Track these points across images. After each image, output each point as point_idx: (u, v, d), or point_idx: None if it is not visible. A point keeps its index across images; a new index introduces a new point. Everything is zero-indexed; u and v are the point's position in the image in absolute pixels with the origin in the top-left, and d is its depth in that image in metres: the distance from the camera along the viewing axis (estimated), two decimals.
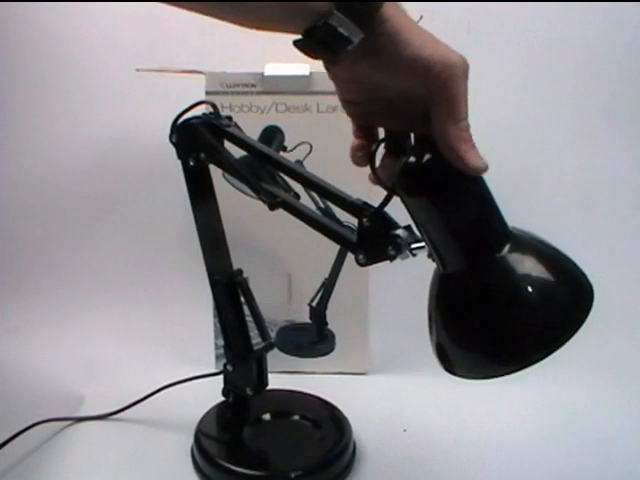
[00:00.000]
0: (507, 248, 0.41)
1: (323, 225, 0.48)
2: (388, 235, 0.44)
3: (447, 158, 0.41)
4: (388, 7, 0.40)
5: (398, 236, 0.44)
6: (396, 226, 0.45)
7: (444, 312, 0.43)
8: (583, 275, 0.43)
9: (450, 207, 0.42)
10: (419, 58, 0.40)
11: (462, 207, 0.42)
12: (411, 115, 0.44)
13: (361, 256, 0.46)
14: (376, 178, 0.46)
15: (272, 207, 0.49)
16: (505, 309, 0.40)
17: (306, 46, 0.42)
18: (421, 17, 0.66)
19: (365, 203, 0.47)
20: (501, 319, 0.40)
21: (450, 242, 0.42)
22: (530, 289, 0.40)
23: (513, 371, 0.40)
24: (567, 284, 0.42)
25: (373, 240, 0.45)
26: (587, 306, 0.42)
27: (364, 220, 0.45)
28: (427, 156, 0.42)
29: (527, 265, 0.41)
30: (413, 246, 0.44)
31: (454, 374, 0.42)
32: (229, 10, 0.41)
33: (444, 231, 0.42)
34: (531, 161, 0.87)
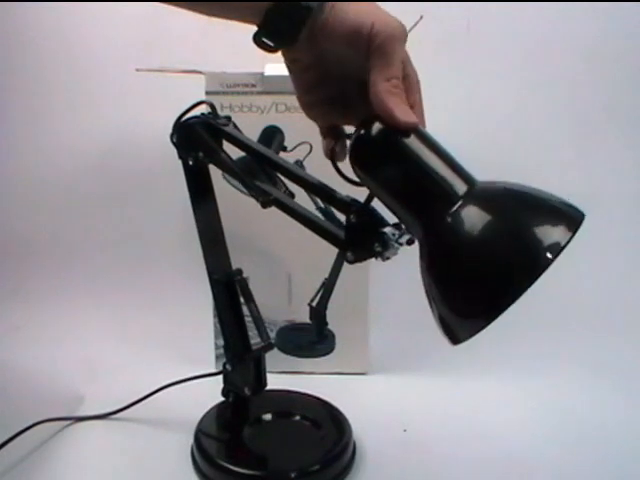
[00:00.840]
0: (458, 205, 0.40)
1: (313, 222, 0.48)
2: (375, 232, 0.44)
3: (380, 114, 0.42)
4: None
5: (384, 233, 0.44)
6: (384, 223, 0.45)
7: (427, 282, 0.42)
8: (563, 204, 0.43)
9: (392, 173, 0.42)
10: (358, 23, 0.42)
11: (402, 172, 0.42)
12: (366, 107, 0.44)
13: (349, 253, 0.46)
14: (341, 175, 0.46)
15: (264, 205, 0.49)
16: (466, 261, 0.40)
17: (269, 29, 0.43)
18: (421, 17, 0.66)
19: (353, 200, 0.47)
20: (467, 272, 0.40)
21: (402, 210, 0.42)
22: (483, 236, 0.39)
23: (503, 308, 0.38)
24: (535, 219, 0.41)
25: (360, 237, 0.45)
26: (571, 226, 0.42)
27: (351, 217, 0.45)
28: (366, 129, 0.43)
29: (479, 215, 0.40)
30: (401, 240, 0.44)
31: (460, 341, 0.41)
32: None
33: (394, 199, 0.42)
34: (531, 160, 0.87)
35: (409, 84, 0.45)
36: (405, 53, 0.45)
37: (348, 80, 0.46)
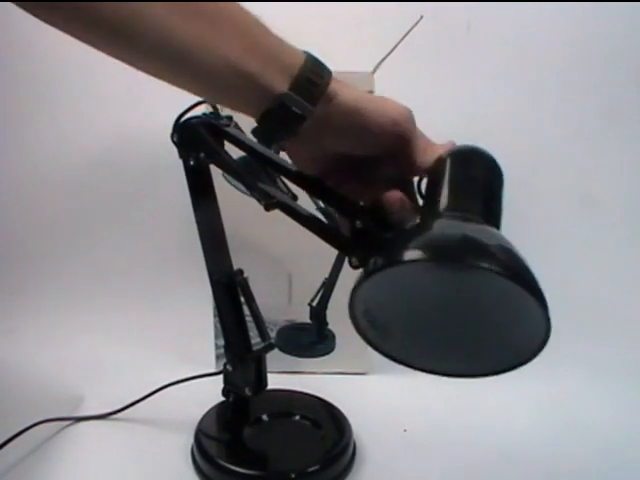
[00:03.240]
0: None
1: (318, 226, 0.48)
2: (380, 238, 0.44)
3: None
4: (335, 84, 0.44)
5: (390, 239, 0.44)
6: (389, 228, 0.45)
7: None
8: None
9: None
10: (381, 124, 0.44)
11: None
12: (371, 177, 0.48)
13: (354, 258, 0.46)
14: None
15: (268, 208, 0.49)
16: None
17: (264, 129, 0.45)
18: (421, 17, 0.66)
19: (359, 205, 0.47)
20: None
21: None
22: None
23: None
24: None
25: (365, 242, 0.45)
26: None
27: (357, 222, 0.45)
28: None
29: None
30: None
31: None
32: (194, 89, 0.45)
33: None
34: (531, 161, 0.87)
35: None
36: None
37: (345, 161, 0.47)
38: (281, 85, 0.43)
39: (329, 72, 0.44)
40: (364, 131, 0.44)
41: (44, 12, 0.42)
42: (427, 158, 0.46)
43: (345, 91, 0.44)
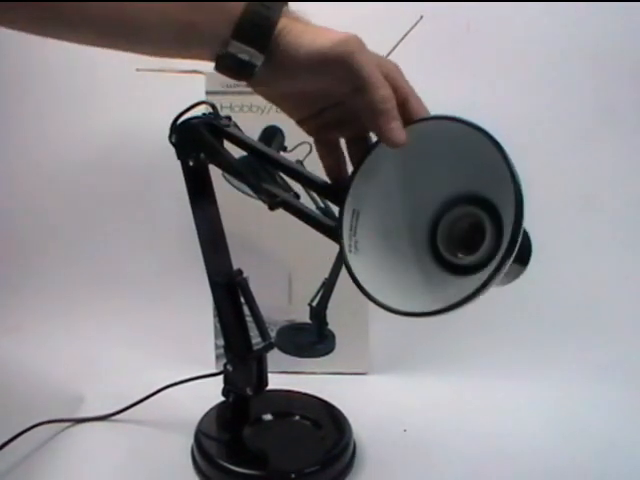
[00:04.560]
0: None
1: (324, 225, 0.48)
2: None
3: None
4: (285, 23, 0.42)
5: None
6: None
7: None
8: None
9: None
10: (312, 55, 0.42)
11: None
12: (355, 117, 0.46)
13: None
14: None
15: (272, 207, 0.49)
16: None
17: (221, 72, 0.44)
18: (421, 17, 0.66)
19: None
20: None
21: None
22: None
23: None
24: None
25: None
26: None
27: None
28: None
29: None
30: None
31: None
32: (125, 44, 0.44)
33: None
34: (531, 161, 0.87)
35: (392, 79, 0.44)
36: (373, 55, 0.44)
37: (327, 99, 0.47)
38: (224, 32, 0.42)
39: (276, 11, 0.42)
40: (300, 65, 0.42)
41: None
42: (385, 104, 0.42)
43: (290, 28, 0.42)
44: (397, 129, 0.42)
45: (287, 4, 0.44)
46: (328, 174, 0.50)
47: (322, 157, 0.51)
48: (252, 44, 0.42)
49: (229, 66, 0.43)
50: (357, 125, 0.47)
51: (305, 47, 0.42)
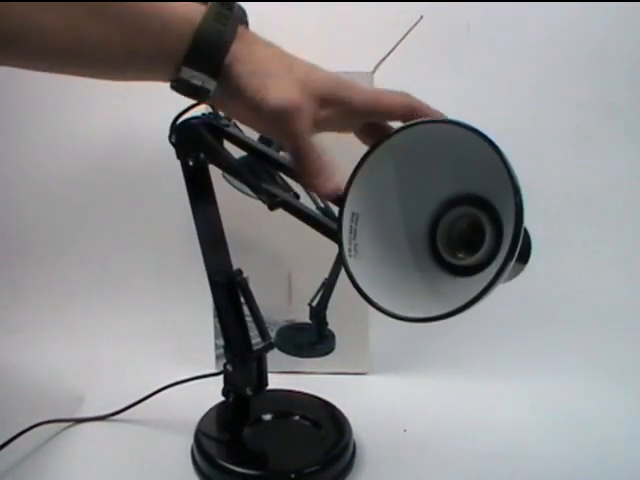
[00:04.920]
0: None
1: (324, 225, 0.48)
2: None
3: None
4: (238, 49, 0.42)
5: None
6: None
7: None
8: None
9: None
10: (253, 105, 0.42)
11: None
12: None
13: None
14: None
15: (272, 207, 0.49)
16: None
17: (179, 93, 0.44)
18: (421, 17, 0.66)
19: None
20: None
21: None
22: None
23: None
24: None
25: None
26: None
27: None
28: None
29: None
30: None
31: None
32: (85, 72, 0.45)
33: None
34: (531, 161, 0.87)
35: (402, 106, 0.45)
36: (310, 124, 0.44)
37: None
38: (176, 58, 0.41)
39: (229, 34, 0.41)
40: (249, 110, 0.43)
41: None
42: (363, 97, 0.44)
43: (247, 60, 0.42)
44: (322, 184, 0.45)
45: (245, 23, 0.44)
46: None
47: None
48: (203, 70, 0.41)
49: (184, 90, 0.43)
50: (358, 120, 0.47)
51: (249, 92, 0.42)
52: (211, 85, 0.42)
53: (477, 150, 0.40)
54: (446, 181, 0.44)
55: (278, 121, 0.42)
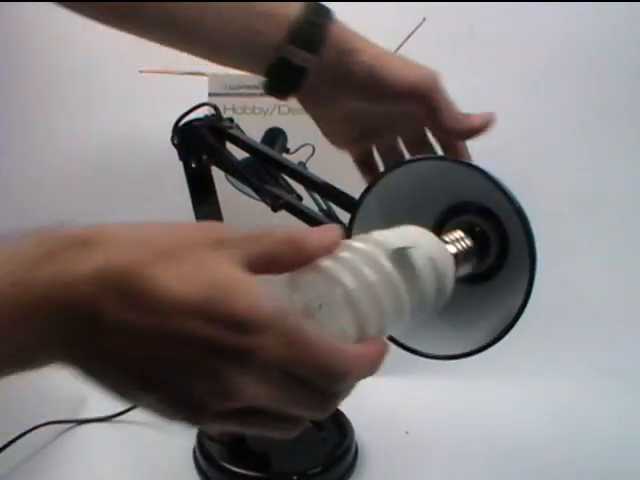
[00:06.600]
0: None
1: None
2: None
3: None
4: (355, 39, 0.44)
5: None
6: None
7: None
8: None
9: None
10: (400, 85, 0.43)
11: None
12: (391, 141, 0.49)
13: None
14: None
15: (275, 209, 0.50)
16: None
17: (272, 83, 0.45)
18: (423, 19, 0.66)
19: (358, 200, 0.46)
20: None
21: None
22: None
23: None
24: None
25: None
26: None
27: None
28: None
29: None
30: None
31: None
32: (189, 49, 0.47)
33: None
34: (532, 162, 0.87)
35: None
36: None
37: (365, 123, 0.48)
38: (278, 37, 0.42)
39: (329, 18, 0.43)
40: (381, 91, 0.44)
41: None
42: (457, 125, 0.44)
43: (365, 48, 0.44)
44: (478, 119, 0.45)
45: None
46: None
47: (364, 173, 0.52)
48: (306, 47, 0.42)
49: (281, 72, 0.43)
50: (389, 134, 0.49)
51: (393, 76, 0.43)
52: (310, 63, 0.43)
53: (480, 183, 0.40)
54: (448, 196, 0.44)
55: (412, 94, 0.43)
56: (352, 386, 0.32)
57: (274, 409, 0.30)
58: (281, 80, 0.44)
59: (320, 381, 0.29)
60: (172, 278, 0.26)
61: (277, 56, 0.43)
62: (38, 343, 0.28)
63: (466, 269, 0.41)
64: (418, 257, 0.33)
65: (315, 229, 0.32)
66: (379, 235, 0.34)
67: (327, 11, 0.44)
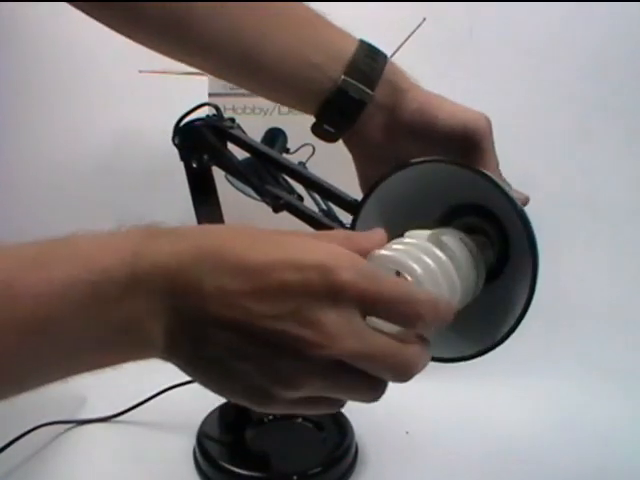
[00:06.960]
0: None
1: (327, 227, 0.48)
2: None
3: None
4: (406, 82, 0.44)
5: None
6: None
7: None
8: None
9: None
10: (451, 126, 0.43)
11: None
12: None
13: None
14: None
15: (276, 209, 0.50)
16: None
17: (325, 120, 0.45)
18: (423, 19, 0.67)
19: (359, 202, 0.47)
20: None
21: None
22: None
23: None
24: None
25: None
26: None
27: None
28: None
29: None
30: None
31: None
32: (245, 82, 0.48)
33: None
34: (532, 163, 0.87)
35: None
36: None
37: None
38: (336, 71, 0.42)
39: (383, 56, 0.44)
40: (434, 132, 0.43)
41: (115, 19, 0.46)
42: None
43: (417, 88, 0.44)
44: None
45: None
46: None
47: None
48: (365, 82, 0.42)
49: (337, 107, 0.43)
50: None
51: (446, 115, 0.43)
52: (367, 97, 0.43)
53: (486, 189, 0.40)
54: (449, 197, 0.45)
55: (464, 136, 0.43)
56: (430, 333, 0.34)
57: (361, 365, 0.32)
58: (338, 114, 0.44)
59: (402, 308, 0.31)
60: (260, 250, 0.31)
61: (334, 89, 0.43)
62: (140, 316, 0.32)
63: (487, 256, 0.42)
64: (449, 240, 0.37)
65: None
66: (410, 235, 0.37)
67: (378, 49, 0.44)
